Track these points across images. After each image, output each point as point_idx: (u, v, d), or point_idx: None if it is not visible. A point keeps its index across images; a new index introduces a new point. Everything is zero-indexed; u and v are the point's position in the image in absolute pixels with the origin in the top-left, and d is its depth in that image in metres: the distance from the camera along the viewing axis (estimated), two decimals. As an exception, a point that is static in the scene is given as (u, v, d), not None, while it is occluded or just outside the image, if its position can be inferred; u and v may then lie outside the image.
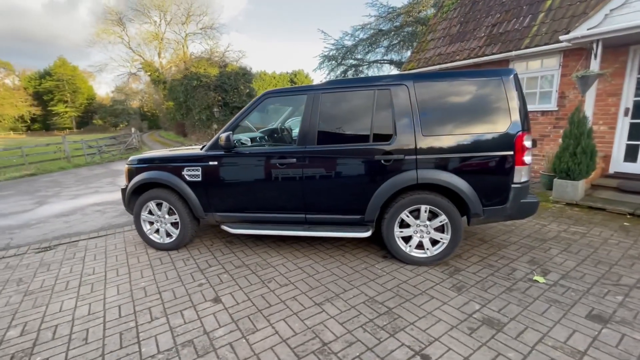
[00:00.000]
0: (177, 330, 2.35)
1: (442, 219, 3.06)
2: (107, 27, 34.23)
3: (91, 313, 2.61)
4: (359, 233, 3.23)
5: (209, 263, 3.44)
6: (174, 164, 3.61)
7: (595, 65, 4.89)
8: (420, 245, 3.19)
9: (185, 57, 33.22)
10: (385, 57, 13.30)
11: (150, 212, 3.77)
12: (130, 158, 3.94)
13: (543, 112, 6.28)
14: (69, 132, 59.02)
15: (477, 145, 2.94)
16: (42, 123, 61.57)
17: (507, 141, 2.89)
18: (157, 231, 3.81)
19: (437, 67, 7.74)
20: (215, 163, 3.46)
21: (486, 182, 2.98)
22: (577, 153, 4.65)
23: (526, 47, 6.14)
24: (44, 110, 60.23)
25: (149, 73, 33.27)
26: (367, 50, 13.95)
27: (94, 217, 5.56)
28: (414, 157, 3.02)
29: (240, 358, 2.05)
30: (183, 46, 34.36)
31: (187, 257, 3.60)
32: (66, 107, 60.80)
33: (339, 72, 13.28)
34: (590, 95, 5.06)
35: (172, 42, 35.44)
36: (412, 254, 3.19)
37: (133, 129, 20.97)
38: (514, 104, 2.90)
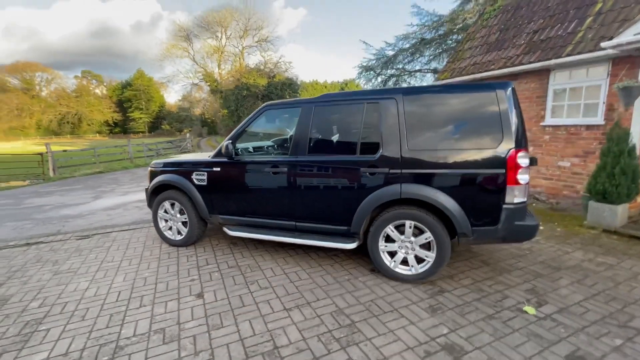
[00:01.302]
0: (156, 318, 2.61)
1: (427, 236, 2.96)
2: (176, 42, 38.16)
3: (96, 295, 3.01)
4: (344, 244, 3.25)
5: (208, 261, 3.72)
6: (185, 169, 3.99)
7: (646, 75, 4.31)
8: (406, 262, 3.11)
9: (241, 69, 35.59)
10: (426, 67, 12.92)
11: (165, 211, 4.19)
12: (153, 162, 4.44)
13: (588, 127, 5.63)
14: (142, 135, 66.49)
15: (466, 161, 2.81)
16: (122, 127, 70.26)
17: (499, 158, 2.73)
18: (171, 228, 4.22)
19: (471, 76, 7.37)
20: (218, 169, 3.76)
21: (475, 201, 2.83)
22: (616, 174, 4.11)
23: (568, 55, 5.58)
24: (123, 116, 68.82)
25: (209, 83, 36.25)
26: (408, 59, 13.70)
27: (132, 212, 6.29)
28: (398, 171, 2.98)
29: (197, 349, 2.23)
30: (239, 58, 36.89)
31: (191, 254, 3.93)
32: (141, 113, 68.62)
33: (376, 82, 13.22)
34: (639, 110, 4.45)
35: (231, 54, 38.27)
36: (397, 270, 3.12)
37: (188, 134, 22.98)
38: (508, 119, 2.73)
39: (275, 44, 37.97)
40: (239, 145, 3.83)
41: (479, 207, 2.83)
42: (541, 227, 4.68)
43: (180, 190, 4.04)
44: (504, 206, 2.76)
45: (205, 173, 3.83)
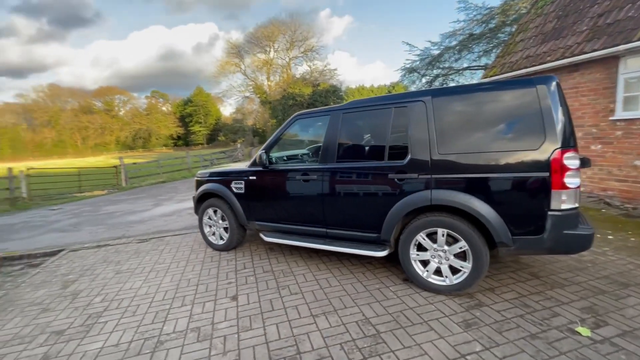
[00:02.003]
0: (193, 317, 2.82)
1: (462, 244, 2.78)
2: (229, 59, 40.94)
3: (147, 293, 3.35)
4: (374, 252, 3.19)
5: (245, 265, 3.91)
6: (226, 178, 4.26)
7: None
8: (440, 272, 2.95)
9: (288, 79, 36.93)
10: (475, 64, 12.11)
11: (209, 218, 4.51)
12: (199, 172, 4.81)
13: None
14: (201, 147, 72.05)
15: (504, 164, 2.60)
16: (184, 140, 76.97)
17: (542, 161, 2.48)
18: (214, 234, 4.53)
19: (524, 71, 6.76)
20: (254, 178, 3.95)
21: (515, 208, 2.59)
22: None
23: (639, 40, 4.87)
24: (185, 130, 75.39)
25: (259, 95, 38.19)
26: (455, 57, 13.01)
27: (185, 218, 6.85)
28: (428, 176, 2.86)
29: (226, 349, 2.36)
30: (287, 69, 38.31)
31: (231, 258, 4.17)
32: (200, 126, 74.57)
33: (421, 83, 12.73)
34: None
35: (279, 66, 39.93)
36: (430, 280, 2.98)
37: (239, 144, 24.38)
38: (552, 117, 2.48)
39: (321, 53, 38.54)
40: (274, 154, 4.00)
41: (520, 214, 2.58)
42: (597, 235, 4.10)
43: (222, 198, 4.32)
44: (550, 213, 2.49)
45: (243, 181, 4.05)
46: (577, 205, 2.52)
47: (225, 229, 4.39)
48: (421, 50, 13.55)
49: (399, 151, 3.04)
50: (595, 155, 5.89)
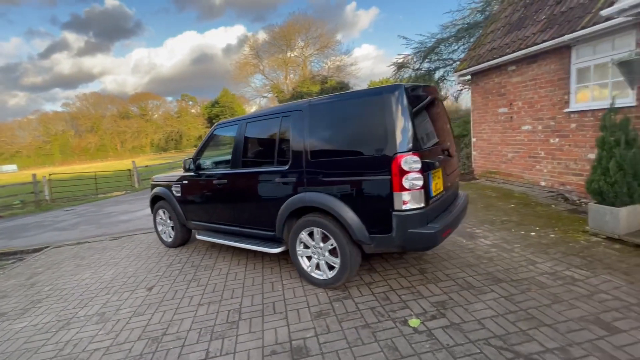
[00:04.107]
0: (107, 304, 3.32)
1: (332, 242, 3.03)
2: (248, 60, 42.08)
3: (86, 284, 3.92)
4: (270, 249, 3.51)
5: (181, 260, 4.38)
6: (169, 182, 4.75)
7: (661, 43, 3.44)
8: (320, 267, 3.21)
9: (304, 77, 37.30)
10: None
11: (161, 218, 5.04)
12: (154, 176, 5.35)
13: (618, 110, 4.61)
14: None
15: (357, 168, 2.82)
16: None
17: (385, 164, 2.67)
18: (165, 232, 5.05)
19: (486, 64, 6.62)
20: (186, 182, 4.40)
21: (368, 208, 2.81)
22: (611, 169, 3.39)
23: (582, 28, 4.68)
24: (213, 131, 78.52)
25: (276, 94, 38.96)
26: (453, 48, 12.63)
27: (166, 217, 7.50)
28: (304, 179, 3.13)
29: (112, 330, 2.82)
30: (303, 68, 38.71)
31: (174, 254, 4.66)
32: (226, 127, 77.28)
33: (411, 78, 12.47)
34: (658, 86, 3.55)
35: (295, 65, 40.42)
36: (313, 274, 3.25)
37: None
38: (395, 122, 2.66)
39: (336, 49, 38.37)
40: (208, 160, 4.41)
41: (372, 214, 2.79)
42: (521, 232, 4.08)
43: (167, 201, 4.82)
44: (394, 213, 2.67)
45: (180, 186, 4.52)
46: (422, 205, 2.67)
47: (173, 227, 4.89)
48: (417, 43, 13.32)
49: (284, 157, 3.32)
50: (554, 149, 5.71)
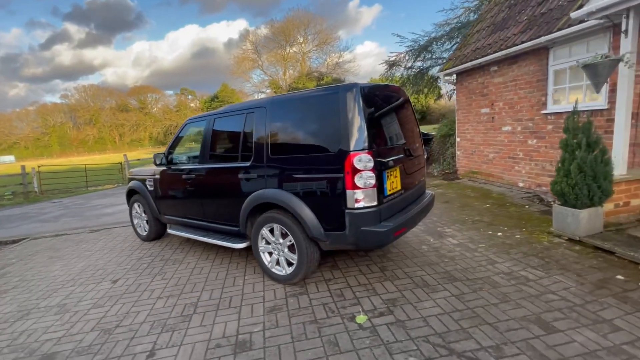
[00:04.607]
0: (70, 296, 3.35)
1: (291, 239, 3.05)
2: (247, 55, 41.98)
3: (55, 275, 3.95)
4: (235, 244, 3.54)
5: (152, 254, 4.41)
6: (143, 176, 4.77)
7: (627, 47, 3.46)
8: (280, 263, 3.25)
9: (302, 73, 37.23)
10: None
11: (136, 211, 5.07)
12: (131, 169, 5.37)
13: (592, 112, 4.63)
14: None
15: (314, 165, 2.85)
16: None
17: (337, 162, 2.69)
18: (140, 226, 5.08)
19: (469, 64, 6.62)
20: (158, 177, 4.42)
21: (323, 206, 2.83)
22: (572, 171, 3.42)
23: (559, 30, 4.68)
24: (211, 125, 78.43)
25: (274, 90, 38.89)
26: (446, 47, 12.61)
27: (149, 211, 7.53)
28: (264, 176, 3.15)
29: (69, 321, 2.85)
30: (301, 63, 38.64)
31: (147, 248, 4.69)
32: (225, 121, 77.20)
33: (402, 77, 12.45)
34: (623, 91, 3.57)
35: (293, 61, 40.33)
36: (273, 270, 3.28)
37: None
38: (349, 121, 2.68)
39: (334, 46, 38.26)
40: (180, 155, 4.42)
41: (327, 212, 2.82)
42: (489, 232, 4.11)
43: (141, 194, 4.84)
44: (347, 211, 2.70)
45: (153, 180, 4.53)
46: (374, 204, 2.70)
47: (147, 221, 4.92)
48: (411, 41, 13.28)
49: (248, 153, 3.34)
50: (531, 150, 5.74)
